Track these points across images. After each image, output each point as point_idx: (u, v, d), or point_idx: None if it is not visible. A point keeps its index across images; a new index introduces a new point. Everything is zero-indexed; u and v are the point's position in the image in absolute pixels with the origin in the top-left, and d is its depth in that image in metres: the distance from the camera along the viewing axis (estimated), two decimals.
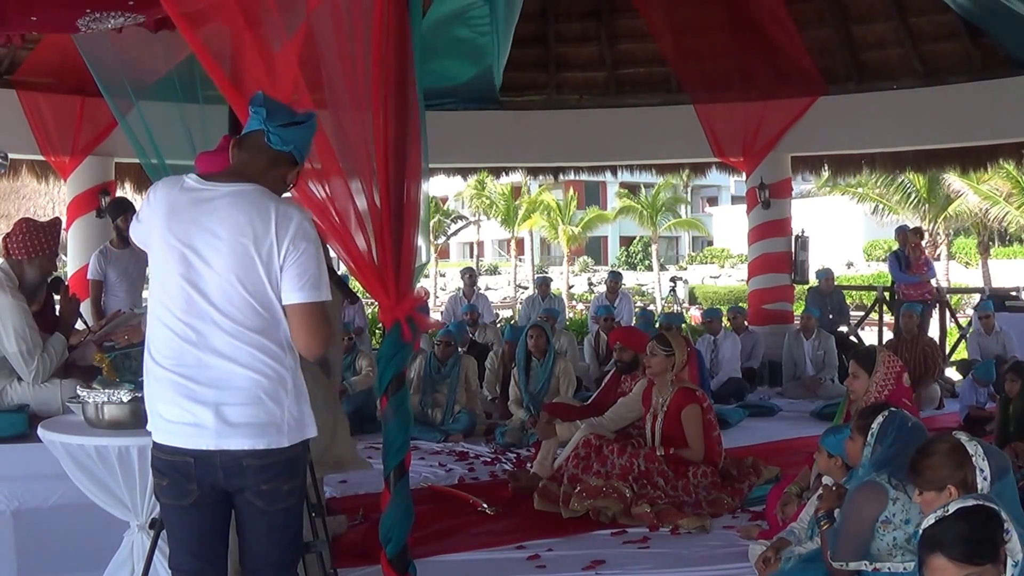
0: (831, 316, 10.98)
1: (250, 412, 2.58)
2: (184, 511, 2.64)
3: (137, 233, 2.79)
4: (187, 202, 2.66)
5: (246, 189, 2.66)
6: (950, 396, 9.10)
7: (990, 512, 2.40)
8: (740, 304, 11.24)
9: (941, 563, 2.34)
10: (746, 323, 10.43)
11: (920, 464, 2.91)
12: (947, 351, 11.46)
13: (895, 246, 11.69)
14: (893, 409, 3.64)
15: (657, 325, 9.44)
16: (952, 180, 23.85)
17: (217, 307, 2.59)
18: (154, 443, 2.65)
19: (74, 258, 9.68)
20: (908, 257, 10.67)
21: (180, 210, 2.65)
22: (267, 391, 2.60)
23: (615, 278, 11.72)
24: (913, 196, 26.28)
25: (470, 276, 11.19)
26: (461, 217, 40.94)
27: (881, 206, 27.87)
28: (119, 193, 10.26)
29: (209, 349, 2.58)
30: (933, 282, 11.27)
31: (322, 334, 2.68)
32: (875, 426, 3.55)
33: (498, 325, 11.30)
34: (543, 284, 11.51)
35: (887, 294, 11.87)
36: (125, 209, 7.05)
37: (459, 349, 8.08)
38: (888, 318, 12.14)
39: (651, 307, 24.46)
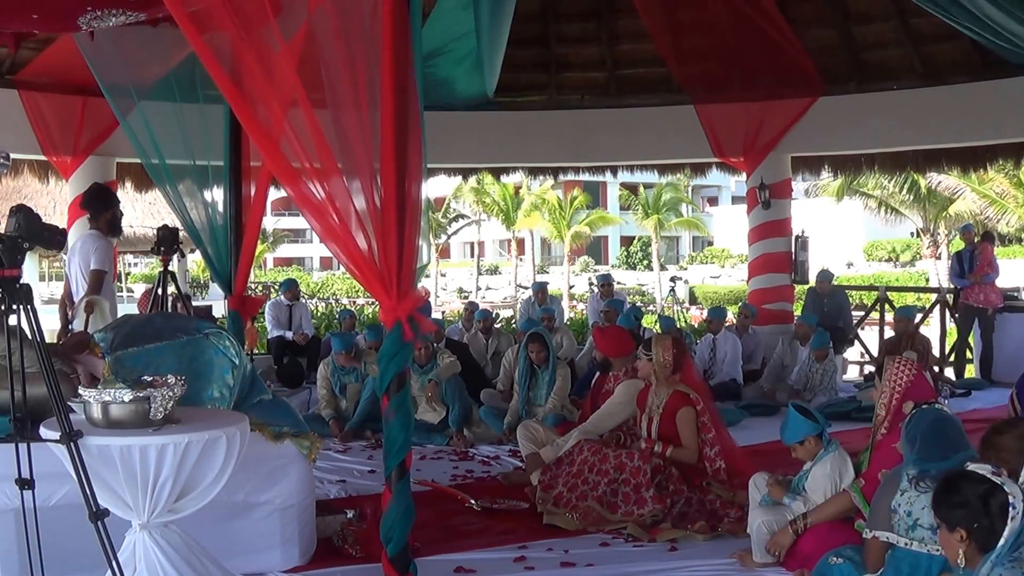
0: (826, 310, 10.84)
1: None
2: None
3: None
4: None
5: None
6: (949, 396, 9.09)
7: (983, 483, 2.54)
8: (747, 304, 11.05)
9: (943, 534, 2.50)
10: (749, 325, 10.32)
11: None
12: (946, 351, 11.46)
13: (896, 247, 11.64)
14: (924, 407, 3.72)
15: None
16: (942, 179, 23.86)
17: None
18: None
19: None
20: (973, 257, 10.36)
21: None
22: None
23: (605, 280, 11.78)
24: (915, 196, 26.31)
25: (470, 307, 11.09)
26: (462, 216, 40.95)
27: (882, 206, 27.89)
28: (120, 193, 10.26)
29: None
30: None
31: None
32: (903, 425, 3.68)
33: (498, 325, 11.30)
34: (540, 291, 11.48)
35: (949, 297, 11.39)
36: (114, 197, 6.88)
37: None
38: (891, 317, 12.13)
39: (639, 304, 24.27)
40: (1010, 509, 2.68)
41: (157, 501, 3.28)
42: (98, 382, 3.72)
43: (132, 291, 28.64)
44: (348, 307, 16.16)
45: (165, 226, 7.13)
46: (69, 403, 3.34)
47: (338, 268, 40.77)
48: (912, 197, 26.54)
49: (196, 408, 3.87)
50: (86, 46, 5.86)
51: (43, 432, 3.30)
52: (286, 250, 49.15)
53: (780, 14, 9.99)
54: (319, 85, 3.75)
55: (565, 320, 13.49)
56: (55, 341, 5.37)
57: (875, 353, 11.87)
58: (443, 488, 5.87)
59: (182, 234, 6.87)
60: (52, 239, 3.45)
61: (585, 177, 25.65)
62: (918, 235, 32.28)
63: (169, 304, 7.27)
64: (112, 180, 9.92)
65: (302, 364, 9.95)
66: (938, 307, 11.86)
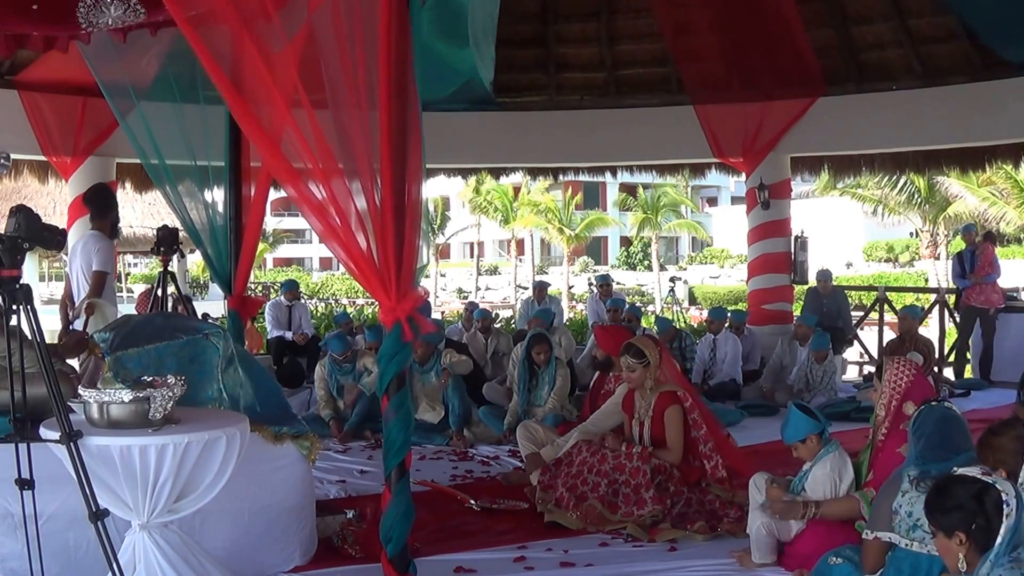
0: (826, 310, 10.82)
1: None
2: None
3: None
4: None
5: None
6: (948, 396, 9.09)
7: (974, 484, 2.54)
8: (740, 307, 11.12)
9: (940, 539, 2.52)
10: (744, 327, 10.31)
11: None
12: (945, 351, 11.45)
13: (895, 247, 11.64)
14: (933, 404, 3.71)
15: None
16: (950, 183, 23.87)
17: None
18: None
19: None
20: (974, 257, 10.33)
21: None
22: None
23: (604, 280, 11.81)
24: (915, 196, 26.33)
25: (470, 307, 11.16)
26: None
27: (881, 206, 27.91)
28: (120, 193, 10.25)
29: None
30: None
31: None
32: (911, 423, 3.67)
33: (498, 325, 11.32)
34: (539, 290, 11.54)
35: (949, 298, 11.39)
36: (113, 198, 6.87)
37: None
38: (890, 317, 12.15)
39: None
40: (1004, 507, 2.69)
41: (157, 501, 3.28)
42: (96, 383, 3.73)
43: (132, 291, 28.65)
44: (347, 308, 16.17)
45: (165, 226, 7.13)
46: (69, 403, 3.35)
47: (338, 268, 40.77)
48: (906, 199, 26.57)
49: (196, 408, 3.87)
50: (84, 44, 5.84)
51: (43, 432, 3.30)
52: (286, 250, 49.14)
53: (795, 7, 9.91)
54: (319, 86, 3.75)
55: (564, 320, 13.51)
56: (55, 341, 5.36)
57: (875, 353, 11.88)
58: (443, 488, 5.87)
59: (182, 234, 6.87)
60: (52, 239, 3.45)
61: (585, 178, 25.64)
62: (917, 235, 32.32)
63: (169, 305, 7.27)
64: (112, 180, 9.91)
65: (302, 364, 9.95)
66: (937, 307, 11.86)
